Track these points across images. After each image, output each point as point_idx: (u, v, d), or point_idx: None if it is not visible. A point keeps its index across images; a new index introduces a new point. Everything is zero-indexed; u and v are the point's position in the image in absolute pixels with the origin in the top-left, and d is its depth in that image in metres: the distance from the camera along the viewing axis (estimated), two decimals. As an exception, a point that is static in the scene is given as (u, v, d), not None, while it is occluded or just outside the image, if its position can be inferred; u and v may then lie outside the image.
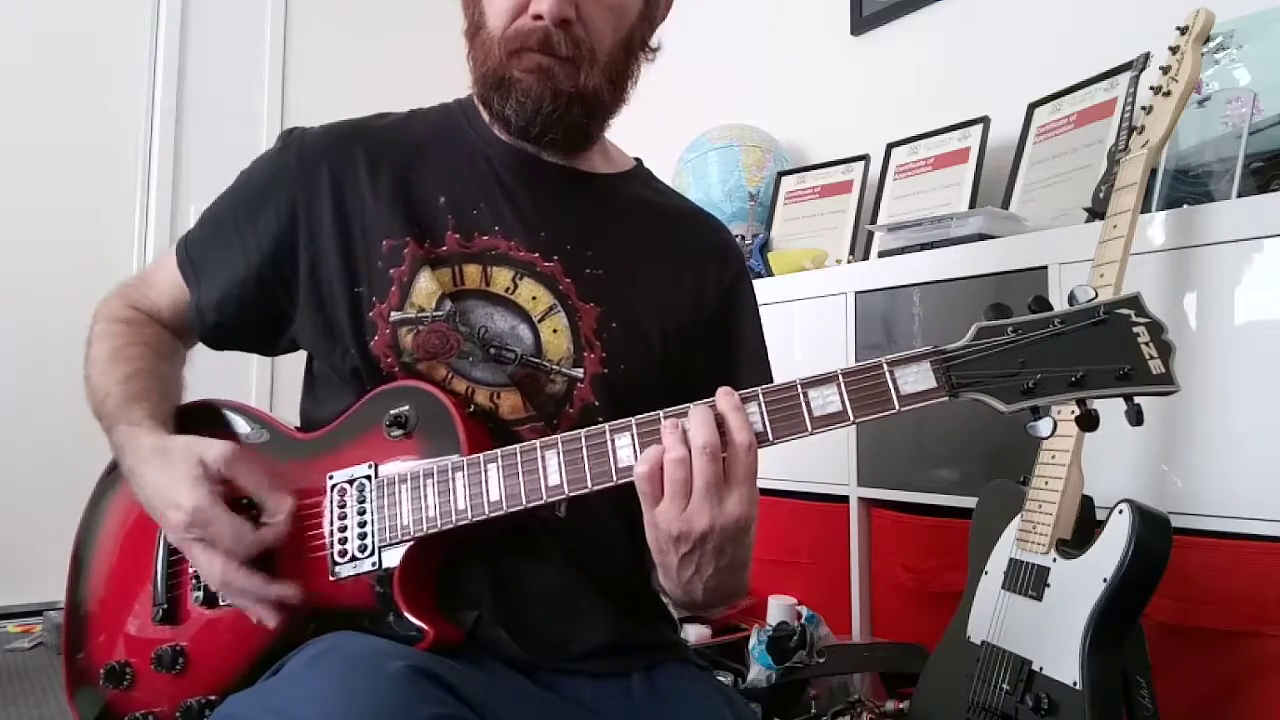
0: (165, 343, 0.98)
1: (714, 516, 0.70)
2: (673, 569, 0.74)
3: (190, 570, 0.86)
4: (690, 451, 0.70)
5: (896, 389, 0.70)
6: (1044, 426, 0.68)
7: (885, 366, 0.70)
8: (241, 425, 0.91)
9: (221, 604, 0.84)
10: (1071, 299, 0.69)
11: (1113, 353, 0.67)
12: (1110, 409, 0.69)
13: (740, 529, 0.71)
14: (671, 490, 0.70)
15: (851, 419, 0.70)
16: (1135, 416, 0.67)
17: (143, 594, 0.87)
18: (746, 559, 0.77)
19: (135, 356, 0.92)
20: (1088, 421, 0.69)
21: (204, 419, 0.91)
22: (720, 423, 0.71)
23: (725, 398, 0.72)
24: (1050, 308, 0.69)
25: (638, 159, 1.06)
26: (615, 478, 0.74)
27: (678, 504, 0.70)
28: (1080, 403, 0.69)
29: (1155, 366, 0.66)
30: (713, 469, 0.69)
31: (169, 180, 2.82)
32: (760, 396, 0.72)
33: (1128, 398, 0.67)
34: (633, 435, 0.74)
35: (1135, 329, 0.67)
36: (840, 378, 0.71)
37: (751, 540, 0.75)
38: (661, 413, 0.73)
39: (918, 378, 0.69)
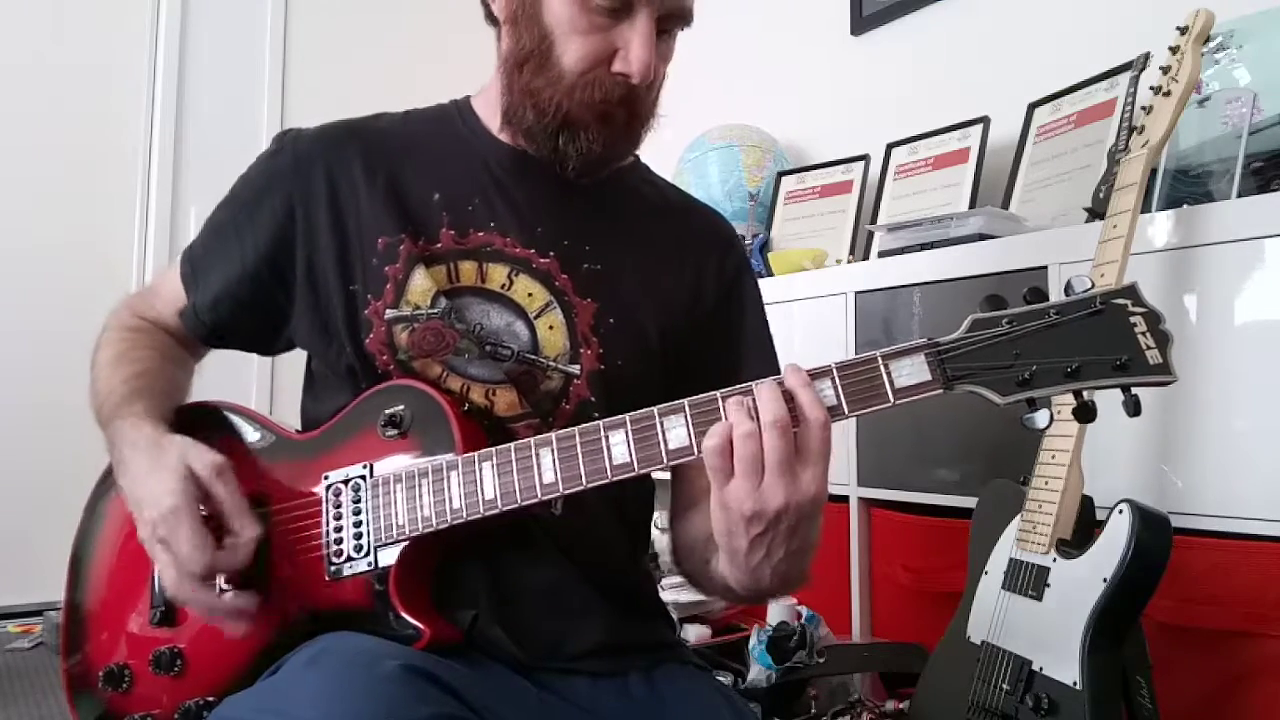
0: (172, 348, 0.98)
1: (789, 493, 0.67)
2: (741, 553, 0.71)
3: None
4: (760, 426, 0.68)
5: (891, 382, 0.69)
6: (1040, 418, 0.67)
7: (879, 359, 0.70)
8: (237, 426, 0.91)
9: None
10: (1068, 289, 0.68)
11: (1109, 343, 0.66)
12: (1109, 405, 0.69)
13: (815, 507, 0.69)
14: (743, 467, 0.67)
15: (847, 413, 0.70)
16: (1133, 407, 0.66)
17: (141, 596, 0.87)
18: (817, 541, 0.74)
19: (140, 359, 0.93)
20: (1084, 413, 0.69)
21: (201, 420, 0.91)
22: (789, 399, 0.69)
23: (794, 374, 0.70)
24: (1046, 299, 0.69)
25: (636, 155, 1.06)
26: (610, 474, 0.73)
27: (751, 481, 0.67)
28: (1077, 394, 0.68)
29: (1153, 356, 0.65)
30: (785, 444, 0.67)
31: (169, 181, 2.82)
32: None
33: (1125, 388, 0.66)
34: (627, 432, 0.73)
35: (1132, 319, 0.66)
36: (834, 371, 0.70)
37: (821, 522, 0.73)
38: (719, 393, 0.71)
39: (912, 370, 0.69)
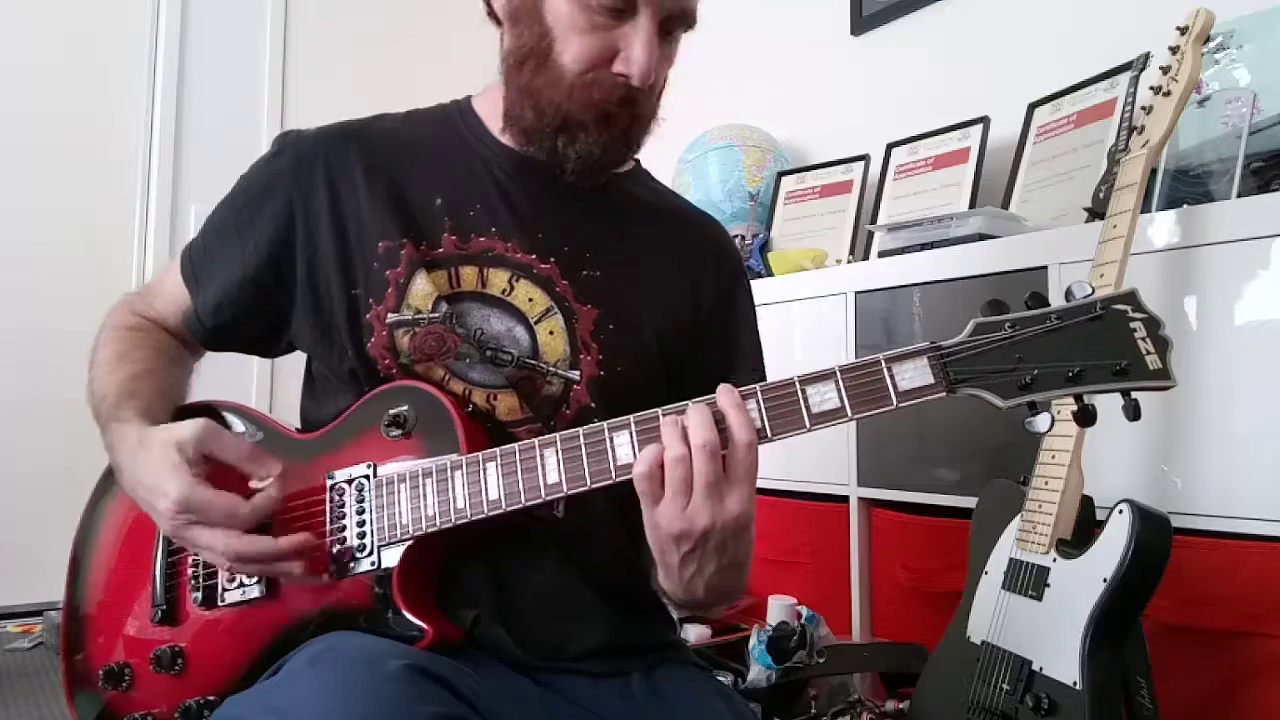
0: (172, 348, 0.98)
1: (715, 514, 0.69)
2: (674, 568, 0.74)
3: (189, 571, 0.86)
4: (690, 449, 0.69)
5: (894, 385, 0.70)
6: (1041, 422, 0.68)
7: (883, 363, 0.70)
8: (239, 426, 0.91)
9: (220, 604, 0.84)
10: (1068, 295, 0.69)
11: (1110, 348, 0.67)
12: (1109, 406, 0.69)
13: (741, 526, 0.71)
14: (672, 489, 0.70)
15: (850, 415, 0.70)
16: (1133, 411, 0.67)
17: (141, 595, 0.87)
18: (747, 556, 0.77)
19: (138, 359, 0.93)
20: (1085, 417, 0.69)
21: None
22: (720, 420, 0.70)
23: (725, 395, 0.71)
24: (1047, 304, 0.69)
25: (636, 160, 1.06)
26: (614, 475, 0.74)
27: (678, 502, 0.70)
28: (1077, 398, 0.69)
29: (1152, 362, 0.66)
30: (713, 467, 0.69)
31: (169, 181, 2.82)
32: (759, 393, 0.72)
33: (1125, 393, 0.67)
34: (631, 434, 0.74)
35: (1132, 324, 0.67)
36: (838, 374, 0.71)
37: (752, 538, 0.75)
38: (660, 410, 0.73)
39: (915, 374, 0.70)
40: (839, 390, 0.71)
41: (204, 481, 0.78)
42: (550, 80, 0.84)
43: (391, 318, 0.87)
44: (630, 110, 0.85)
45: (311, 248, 0.91)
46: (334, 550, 0.82)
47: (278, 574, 0.81)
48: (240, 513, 0.78)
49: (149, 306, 1.00)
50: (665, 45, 0.86)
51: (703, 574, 0.73)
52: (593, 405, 0.88)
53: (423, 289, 0.87)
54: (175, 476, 0.77)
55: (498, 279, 0.89)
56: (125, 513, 0.90)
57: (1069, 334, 0.67)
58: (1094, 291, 0.68)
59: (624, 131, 0.87)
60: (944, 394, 0.69)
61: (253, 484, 0.81)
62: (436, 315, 0.86)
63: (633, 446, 0.73)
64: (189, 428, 0.80)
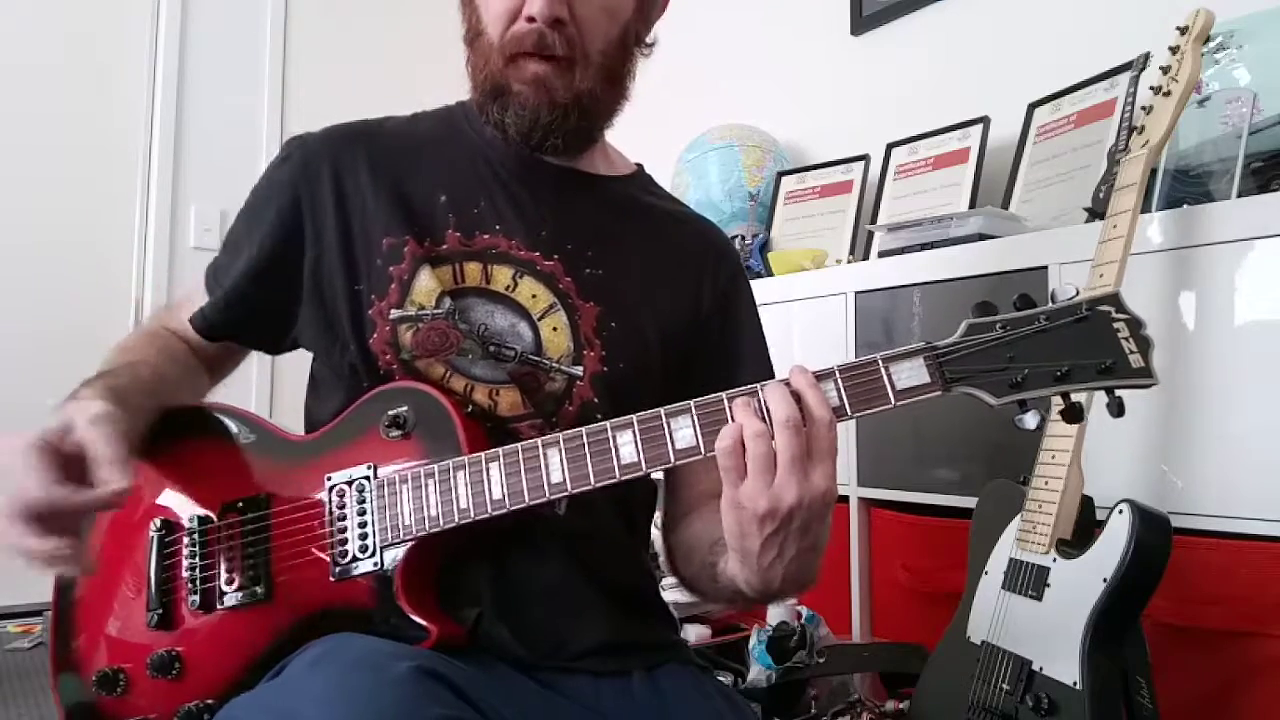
0: (180, 353, 0.98)
1: (802, 490, 0.68)
2: (753, 553, 0.71)
3: (184, 575, 0.85)
4: (771, 426, 0.69)
5: (891, 384, 0.71)
6: (1030, 419, 0.70)
7: (880, 362, 0.71)
8: (235, 429, 0.91)
9: (219, 607, 0.83)
10: (1053, 297, 0.71)
11: (1095, 348, 0.69)
12: (1102, 406, 0.70)
13: (826, 504, 0.70)
14: (755, 465, 0.68)
15: (849, 413, 0.71)
16: (1116, 409, 0.69)
17: (136, 600, 0.86)
18: (825, 540, 0.74)
19: (135, 349, 0.93)
20: (1073, 414, 0.71)
21: (199, 422, 0.91)
22: (797, 399, 0.70)
23: (800, 375, 0.71)
24: (1035, 305, 0.71)
25: (639, 164, 1.06)
26: (618, 474, 0.74)
27: (764, 479, 0.68)
28: (1065, 396, 0.71)
29: (1135, 361, 0.68)
30: (797, 442, 0.68)
31: (169, 181, 2.82)
32: (837, 374, 0.72)
33: (1109, 390, 0.69)
34: (634, 433, 0.74)
35: (1116, 325, 0.69)
36: (837, 374, 0.72)
37: (830, 521, 0.73)
38: (724, 394, 0.72)
39: (912, 373, 0.71)
40: (839, 389, 0.71)
41: (49, 452, 0.73)
42: (483, 51, 0.89)
43: (395, 313, 0.87)
44: (548, 55, 0.85)
45: (317, 245, 0.91)
46: (335, 551, 0.82)
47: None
48: (27, 493, 0.72)
49: (172, 317, 1.02)
50: None
51: (783, 558, 0.71)
52: (596, 400, 0.88)
53: (426, 285, 0.87)
54: (43, 432, 0.74)
55: (501, 275, 0.89)
56: (118, 517, 0.89)
57: (1056, 334, 0.69)
58: (1078, 293, 0.70)
59: (551, 89, 0.86)
60: (940, 392, 0.70)
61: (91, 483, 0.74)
62: (440, 311, 0.87)
63: (636, 445, 0.73)
64: (91, 404, 0.76)
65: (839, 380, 0.71)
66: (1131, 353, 0.68)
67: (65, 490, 0.73)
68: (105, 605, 0.88)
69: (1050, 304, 0.71)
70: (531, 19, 0.84)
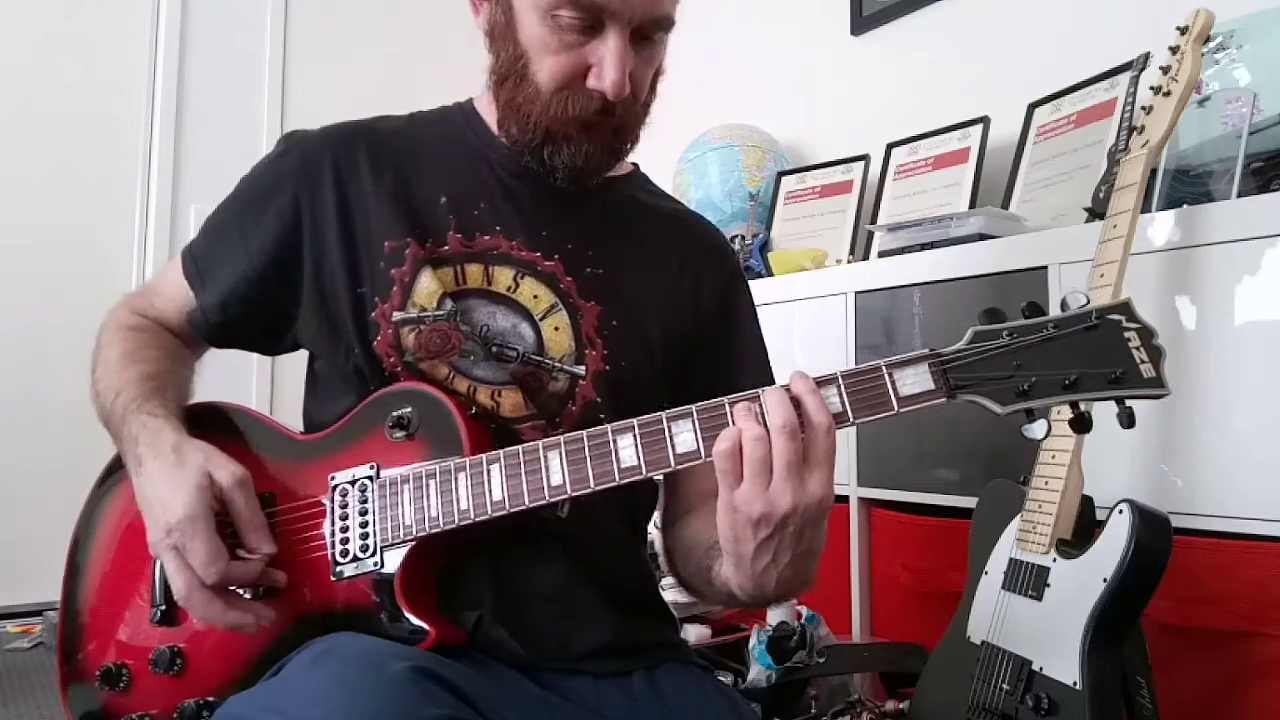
0: (177, 349, 0.98)
1: (797, 496, 0.68)
2: (747, 557, 0.71)
3: None
4: (768, 431, 0.69)
5: (895, 391, 0.70)
6: (1038, 429, 0.69)
7: (884, 369, 0.71)
8: (241, 427, 0.91)
9: None
10: (1064, 305, 0.70)
11: (1105, 357, 0.68)
12: (1108, 409, 0.70)
13: (822, 511, 0.70)
14: (751, 469, 0.68)
15: (852, 420, 0.71)
16: (1126, 419, 0.68)
17: (140, 595, 0.87)
18: (821, 546, 0.74)
19: (151, 359, 0.92)
20: (1080, 424, 0.71)
21: (205, 420, 0.91)
22: (796, 404, 0.70)
23: (801, 380, 0.71)
24: (1044, 312, 0.70)
25: (635, 164, 1.06)
26: (618, 477, 0.74)
27: (759, 483, 0.68)
28: (1073, 405, 0.70)
29: (1146, 370, 0.67)
30: (793, 447, 0.68)
31: (169, 181, 2.82)
32: (839, 379, 0.72)
33: (1119, 401, 0.68)
34: (635, 436, 0.74)
35: (1127, 334, 0.68)
36: (840, 380, 0.71)
37: (826, 527, 0.74)
38: (726, 399, 0.73)
39: (916, 380, 0.70)
40: (841, 395, 0.71)
41: (211, 520, 0.78)
42: (529, 96, 0.86)
43: (397, 316, 0.87)
44: (610, 120, 0.86)
45: (319, 245, 0.91)
46: (336, 551, 0.82)
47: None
48: (217, 567, 0.77)
49: (150, 306, 1.00)
50: (645, 50, 0.86)
51: (777, 563, 0.71)
52: (598, 400, 0.88)
53: (428, 287, 0.87)
54: (192, 499, 0.77)
55: (503, 276, 0.89)
56: (123, 513, 0.89)
57: (1065, 343, 0.68)
58: (1089, 301, 0.69)
59: (609, 138, 0.87)
60: (944, 400, 0.70)
61: (241, 551, 0.80)
62: (441, 313, 0.87)
63: (636, 449, 0.73)
64: (230, 468, 0.80)
65: (842, 386, 0.71)
66: (1143, 362, 0.67)
67: (240, 567, 0.79)
68: (110, 602, 0.88)
69: (1060, 312, 0.70)
70: (601, 92, 0.83)
